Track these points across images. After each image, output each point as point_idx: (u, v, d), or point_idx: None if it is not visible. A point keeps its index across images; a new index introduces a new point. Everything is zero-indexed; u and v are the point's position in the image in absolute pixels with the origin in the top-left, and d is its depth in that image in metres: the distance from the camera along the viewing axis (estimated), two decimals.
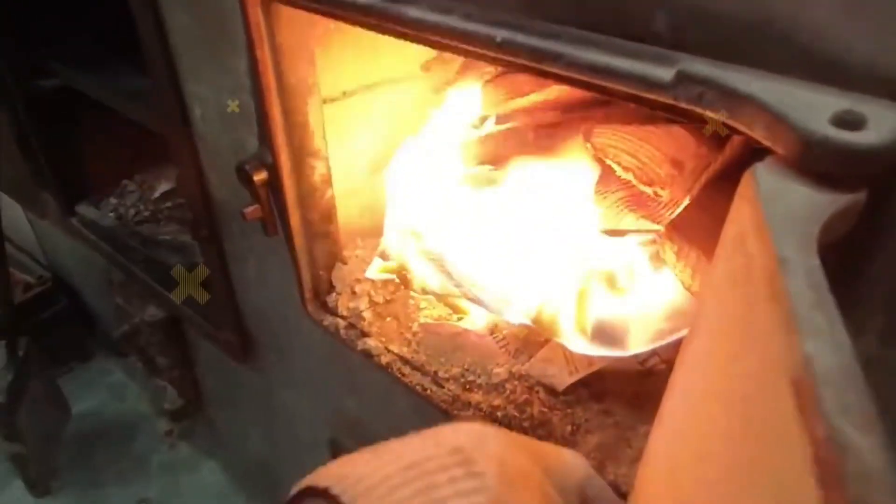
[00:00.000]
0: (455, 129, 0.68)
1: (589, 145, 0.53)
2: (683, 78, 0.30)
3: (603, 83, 0.33)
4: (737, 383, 0.23)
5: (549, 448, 0.35)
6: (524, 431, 0.59)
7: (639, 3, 0.33)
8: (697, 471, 0.26)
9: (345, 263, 0.75)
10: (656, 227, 0.48)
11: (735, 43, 0.30)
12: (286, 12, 0.55)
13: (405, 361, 0.67)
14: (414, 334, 0.69)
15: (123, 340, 1.36)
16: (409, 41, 0.44)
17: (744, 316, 0.24)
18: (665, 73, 0.31)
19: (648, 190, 0.48)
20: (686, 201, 0.50)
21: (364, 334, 0.70)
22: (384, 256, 0.68)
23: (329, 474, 0.29)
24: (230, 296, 0.94)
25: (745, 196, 0.27)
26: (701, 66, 0.30)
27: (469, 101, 0.68)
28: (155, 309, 1.24)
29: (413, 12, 0.40)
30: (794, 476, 0.17)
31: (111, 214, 1.26)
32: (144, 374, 1.44)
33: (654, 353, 0.58)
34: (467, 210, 0.63)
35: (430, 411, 0.64)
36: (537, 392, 0.61)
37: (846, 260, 0.29)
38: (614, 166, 0.51)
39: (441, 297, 0.70)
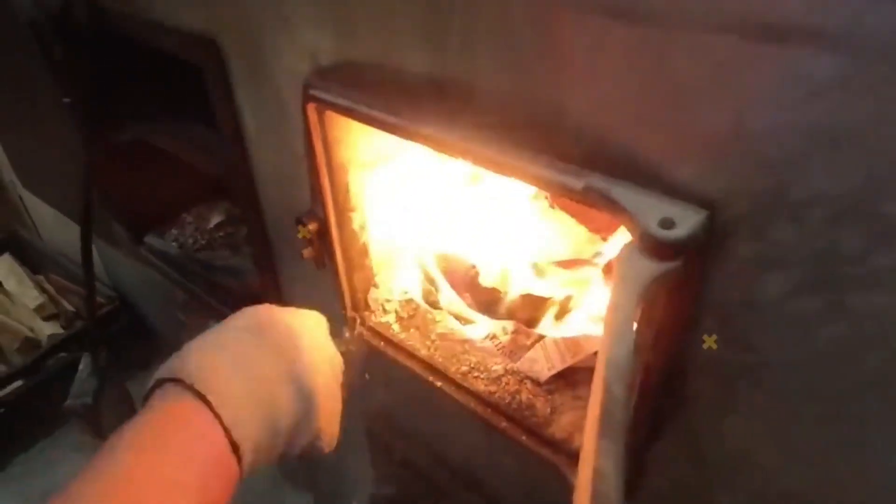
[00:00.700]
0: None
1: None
2: (588, 188, 0.49)
3: (541, 188, 0.52)
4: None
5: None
6: (515, 413, 0.72)
7: (565, 134, 0.52)
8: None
9: (377, 287, 0.88)
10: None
11: (622, 167, 0.49)
12: (335, 116, 0.68)
13: (426, 362, 0.80)
14: (432, 341, 0.82)
15: None
16: (421, 144, 0.63)
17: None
18: (578, 183, 0.49)
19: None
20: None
21: (393, 342, 0.84)
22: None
23: (173, 367, 0.55)
24: None
25: (618, 258, 0.46)
26: (598, 181, 0.48)
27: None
28: (215, 323, 1.43)
29: (425, 130, 0.60)
30: None
31: (174, 243, 1.42)
32: None
33: None
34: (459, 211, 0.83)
35: (445, 400, 0.78)
36: (525, 383, 0.75)
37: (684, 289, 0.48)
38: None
39: (448, 312, 0.88)
